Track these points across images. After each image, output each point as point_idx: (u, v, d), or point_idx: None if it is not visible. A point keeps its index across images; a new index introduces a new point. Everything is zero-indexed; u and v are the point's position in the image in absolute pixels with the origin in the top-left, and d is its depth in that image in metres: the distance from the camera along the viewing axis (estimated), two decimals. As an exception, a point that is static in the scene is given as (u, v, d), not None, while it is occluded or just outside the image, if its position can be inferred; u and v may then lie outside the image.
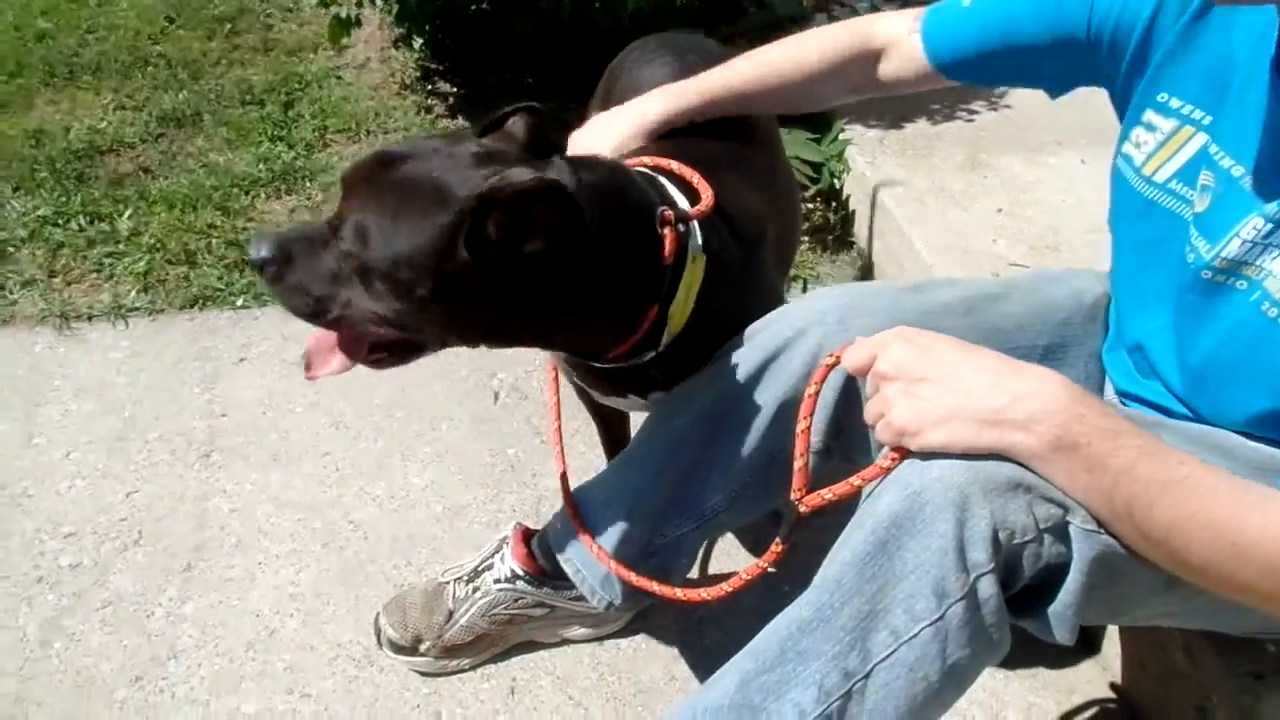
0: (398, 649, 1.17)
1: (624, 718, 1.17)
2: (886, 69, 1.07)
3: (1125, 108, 0.90)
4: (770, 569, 0.92)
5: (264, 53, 2.80)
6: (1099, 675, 1.22)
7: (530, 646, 1.23)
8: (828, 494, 0.82)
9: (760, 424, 0.98)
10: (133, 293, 1.83)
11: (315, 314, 0.87)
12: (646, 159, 1.06)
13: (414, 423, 1.57)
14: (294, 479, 1.46)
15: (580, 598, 1.16)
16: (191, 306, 1.81)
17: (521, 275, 0.84)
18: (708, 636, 1.26)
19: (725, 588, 0.95)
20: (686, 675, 1.21)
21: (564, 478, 1.13)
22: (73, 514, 1.39)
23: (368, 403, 1.60)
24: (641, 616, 1.26)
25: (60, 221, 2.01)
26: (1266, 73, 0.76)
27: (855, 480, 0.80)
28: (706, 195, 0.98)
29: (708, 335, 1.01)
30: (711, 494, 1.03)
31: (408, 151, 0.85)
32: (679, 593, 1.02)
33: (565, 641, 1.23)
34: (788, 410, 0.97)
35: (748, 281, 1.06)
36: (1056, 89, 1.01)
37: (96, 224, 2.01)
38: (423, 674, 1.19)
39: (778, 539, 0.90)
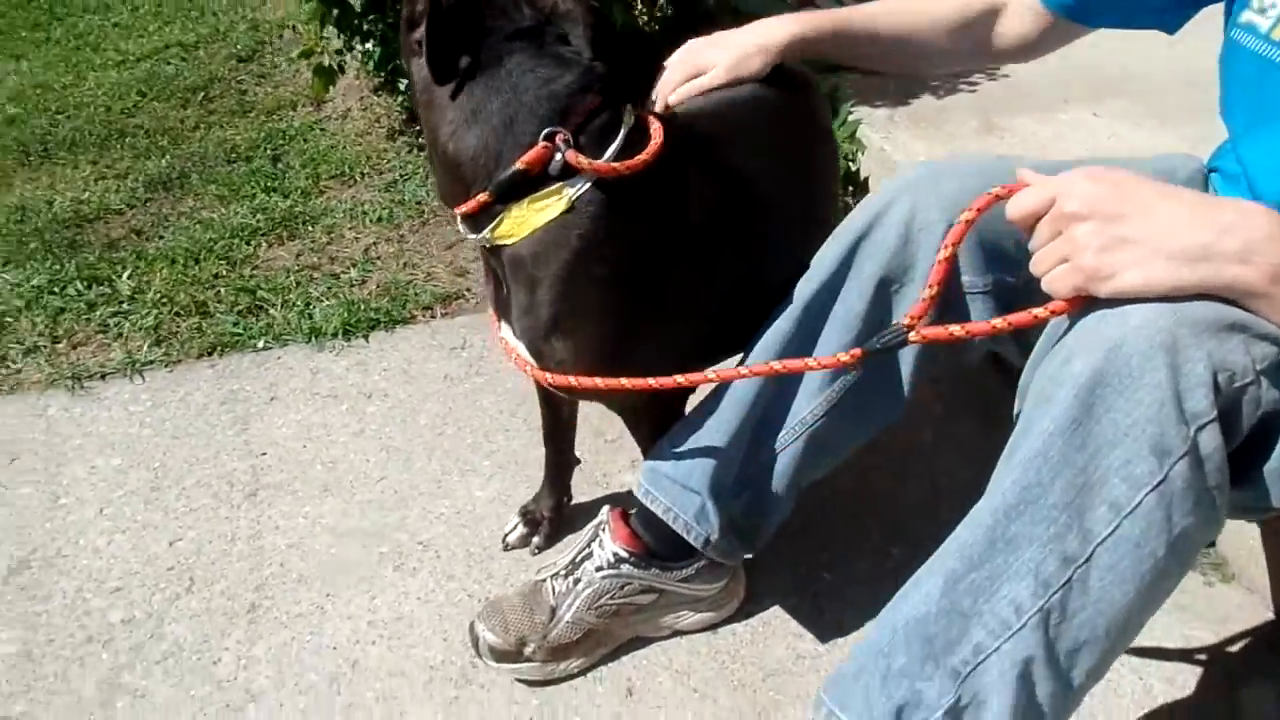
0: (500, 655, 1.07)
1: (756, 704, 1.07)
2: (1009, 25, 1.07)
3: None
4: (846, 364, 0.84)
5: (242, 115, 2.75)
6: (1249, 601, 1.15)
7: (640, 643, 1.13)
8: (956, 329, 0.75)
9: (858, 305, 0.94)
10: (145, 347, 1.73)
11: None
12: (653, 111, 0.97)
13: (467, 437, 1.48)
14: (350, 507, 1.36)
15: (690, 577, 1.08)
16: (210, 354, 1.72)
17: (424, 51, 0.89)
18: (828, 611, 1.17)
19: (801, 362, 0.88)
20: (815, 652, 1.12)
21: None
22: (116, 569, 1.28)
23: (414, 425, 1.51)
24: (755, 599, 1.17)
25: (56, 289, 1.92)
26: None
27: (999, 322, 0.73)
28: (621, 164, 0.89)
29: (544, 280, 0.91)
30: (809, 399, 0.97)
31: None
32: (775, 365, 0.90)
33: (678, 633, 1.14)
34: (885, 287, 0.93)
35: (618, 274, 0.93)
36: (1174, 17, 0.98)
37: (95, 287, 1.92)
38: (529, 683, 1.09)
39: (862, 348, 0.82)
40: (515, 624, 1.07)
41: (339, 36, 2.45)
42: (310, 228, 2.12)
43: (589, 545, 1.10)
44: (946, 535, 0.73)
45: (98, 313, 1.84)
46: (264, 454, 1.47)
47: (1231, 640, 1.11)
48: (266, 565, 1.27)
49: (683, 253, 0.96)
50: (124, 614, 1.21)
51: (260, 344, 1.73)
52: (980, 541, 0.68)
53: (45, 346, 1.75)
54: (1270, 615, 1.14)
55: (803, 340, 0.97)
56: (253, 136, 2.57)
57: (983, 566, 0.68)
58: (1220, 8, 0.93)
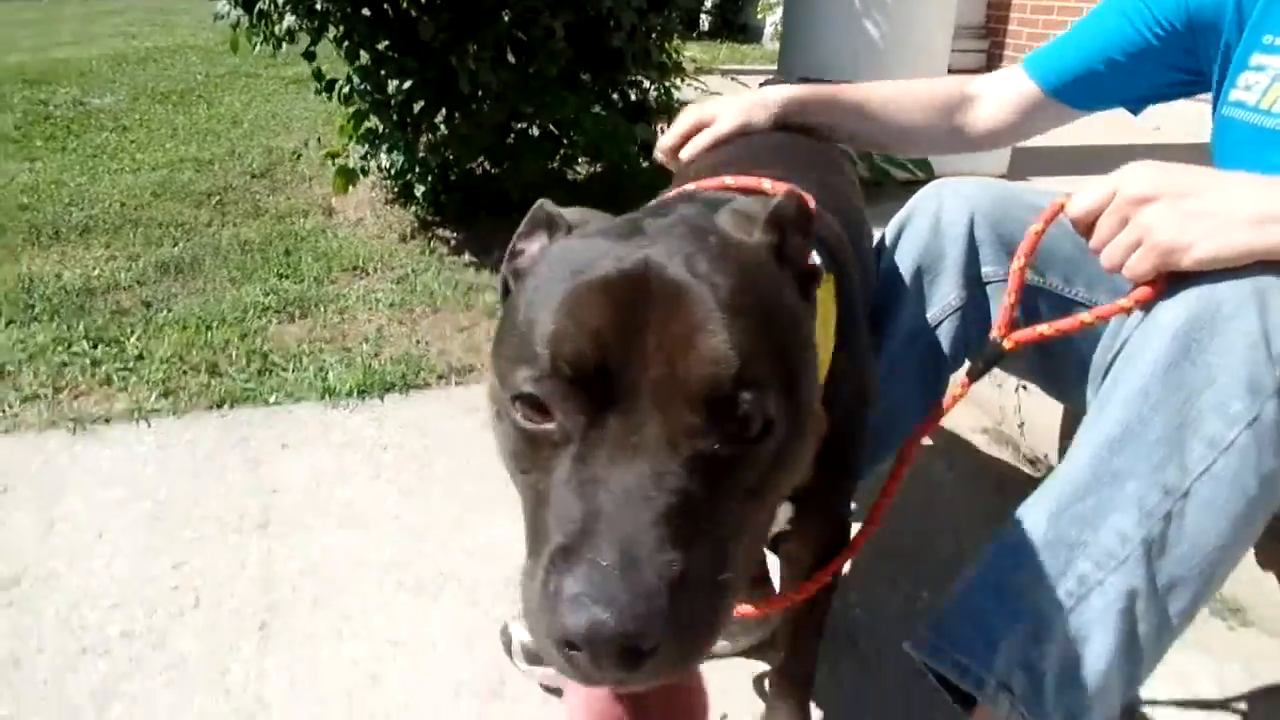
0: (533, 657, 1.02)
1: None
2: (983, 111, 1.16)
3: (1227, 68, 0.98)
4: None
5: (255, 217, 2.84)
6: (1272, 645, 1.16)
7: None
8: (1045, 328, 0.80)
9: (900, 291, 1.01)
10: (152, 397, 1.71)
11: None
12: (729, 179, 0.86)
13: (486, 484, 1.46)
14: (366, 541, 1.32)
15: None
16: (219, 406, 1.70)
17: None
18: (861, 642, 1.15)
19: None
20: (849, 680, 1.09)
21: None
22: (114, 589, 1.21)
23: (431, 471, 1.50)
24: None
25: (61, 347, 1.90)
26: None
27: (1086, 316, 0.78)
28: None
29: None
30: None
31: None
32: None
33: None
34: (919, 277, 1.01)
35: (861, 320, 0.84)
36: (1149, 95, 1.08)
37: (101, 347, 1.91)
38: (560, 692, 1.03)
39: (965, 377, 0.86)
40: (554, 629, 1.03)
41: (363, 145, 2.60)
42: (322, 309, 2.15)
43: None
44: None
45: (103, 368, 1.82)
46: (275, 491, 1.44)
47: (1261, 682, 1.11)
48: (278, 589, 1.22)
49: None
50: (123, 628, 1.14)
51: (272, 399, 1.72)
52: (1084, 474, 0.70)
53: (46, 394, 1.72)
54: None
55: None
56: (266, 234, 2.65)
57: (1088, 498, 0.70)
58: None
